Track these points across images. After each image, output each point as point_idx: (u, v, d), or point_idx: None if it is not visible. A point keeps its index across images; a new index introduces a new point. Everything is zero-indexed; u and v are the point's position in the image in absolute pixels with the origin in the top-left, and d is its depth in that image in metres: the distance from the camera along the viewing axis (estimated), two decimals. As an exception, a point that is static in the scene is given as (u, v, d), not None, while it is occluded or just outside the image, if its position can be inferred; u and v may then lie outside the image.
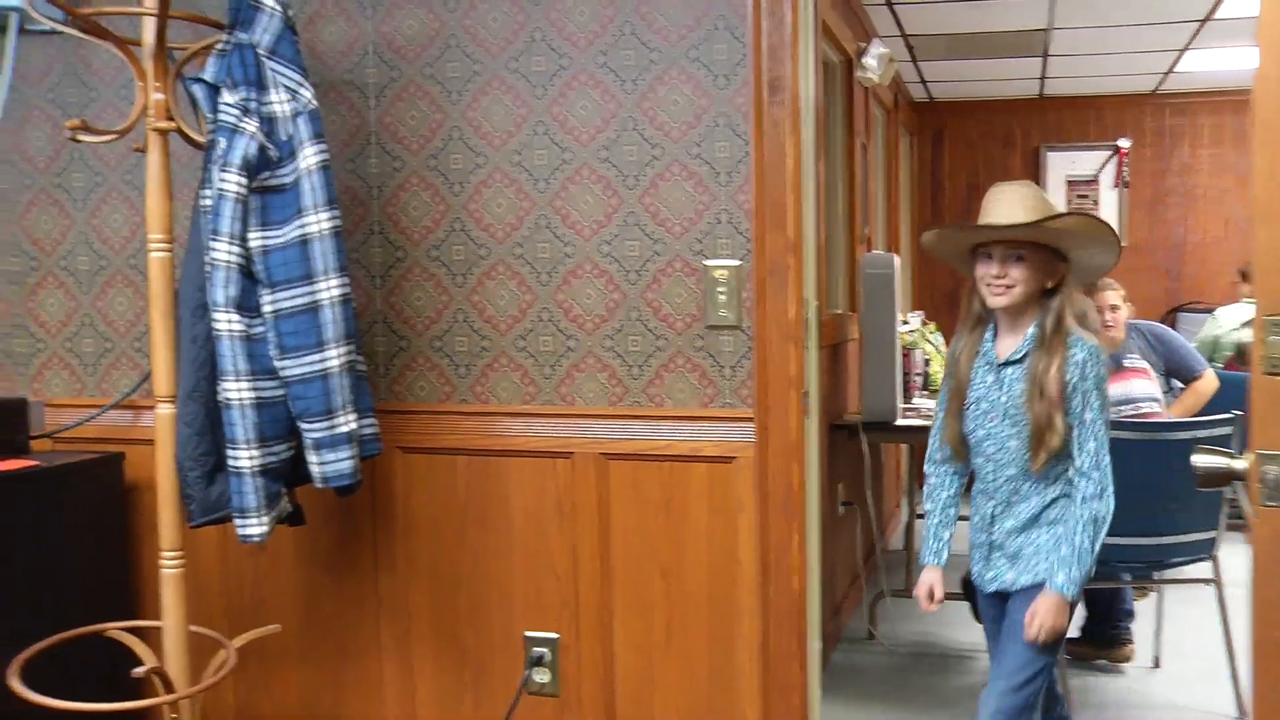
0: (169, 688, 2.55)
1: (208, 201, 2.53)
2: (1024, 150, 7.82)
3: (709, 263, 2.80)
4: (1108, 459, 2.48)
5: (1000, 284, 2.51)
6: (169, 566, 2.58)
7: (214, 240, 2.50)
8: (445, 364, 3.01)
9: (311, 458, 2.59)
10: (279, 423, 2.56)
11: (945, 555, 2.66)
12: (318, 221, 2.54)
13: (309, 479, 2.63)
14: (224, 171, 2.49)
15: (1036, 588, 2.48)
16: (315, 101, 2.59)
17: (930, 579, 2.64)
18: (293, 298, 2.52)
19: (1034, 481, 2.53)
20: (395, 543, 3.06)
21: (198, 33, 2.64)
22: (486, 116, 2.93)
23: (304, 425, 2.56)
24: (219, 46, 2.58)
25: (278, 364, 2.53)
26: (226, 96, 2.53)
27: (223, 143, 2.50)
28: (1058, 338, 2.49)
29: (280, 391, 2.55)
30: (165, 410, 2.57)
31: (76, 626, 2.63)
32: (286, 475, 2.63)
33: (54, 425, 3.20)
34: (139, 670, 2.53)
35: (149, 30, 2.51)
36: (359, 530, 3.07)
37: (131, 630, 2.67)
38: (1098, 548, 2.46)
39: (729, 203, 2.79)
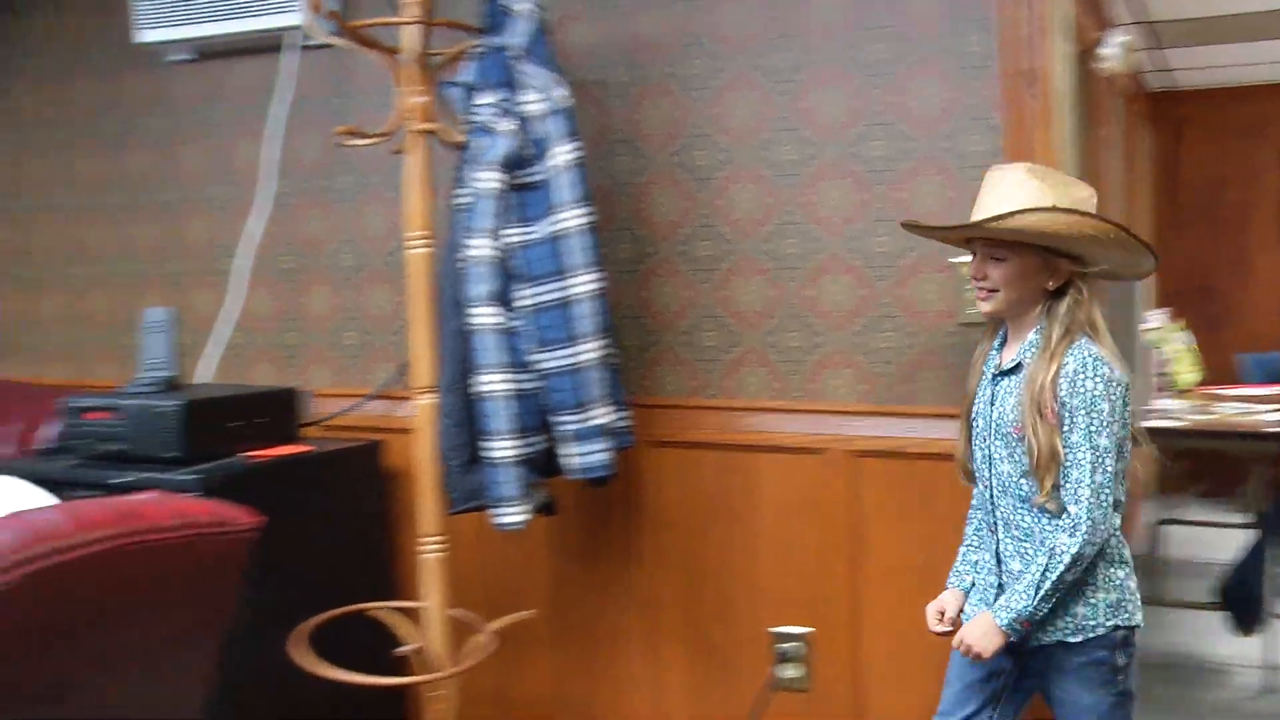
0: (431, 668, 2.61)
1: (465, 200, 2.59)
2: (1275, 140, 7.33)
3: (959, 260, 2.70)
4: (1100, 495, 2.07)
5: (981, 287, 2.21)
6: (430, 551, 2.64)
7: (472, 237, 2.55)
8: (693, 359, 2.99)
9: (567, 450, 2.62)
10: (535, 415, 2.60)
11: (969, 580, 2.35)
12: (572, 218, 2.56)
13: (562, 470, 2.66)
14: (481, 170, 2.54)
15: (1063, 646, 2.15)
16: (569, 100, 2.61)
17: (943, 600, 2.35)
18: (549, 292, 2.55)
19: (1038, 515, 2.16)
20: (644, 535, 3.06)
21: (453, 39, 2.69)
22: (730, 113, 2.91)
23: (559, 418, 2.59)
24: (475, 50, 2.63)
25: (534, 357, 2.57)
26: (483, 98, 2.58)
27: (480, 142, 2.55)
28: (1062, 345, 2.13)
29: (536, 384, 2.59)
30: (426, 401, 2.64)
31: (340, 605, 2.72)
32: (542, 466, 2.66)
33: (319, 414, 3.34)
34: (404, 649, 2.61)
35: (411, 38, 2.58)
36: (609, 522, 3.09)
37: (394, 611, 2.75)
38: (1051, 587, 2.07)
39: (978, 197, 2.69)
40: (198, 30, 3.33)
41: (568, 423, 2.59)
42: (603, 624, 3.13)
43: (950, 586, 2.36)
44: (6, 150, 4.00)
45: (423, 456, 2.65)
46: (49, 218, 3.94)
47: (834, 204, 2.82)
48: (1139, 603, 2.21)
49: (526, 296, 2.56)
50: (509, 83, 2.57)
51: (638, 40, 2.97)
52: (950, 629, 2.30)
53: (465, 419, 2.63)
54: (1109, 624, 2.14)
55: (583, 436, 2.60)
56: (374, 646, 2.65)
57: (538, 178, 2.58)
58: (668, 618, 3.06)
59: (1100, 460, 2.08)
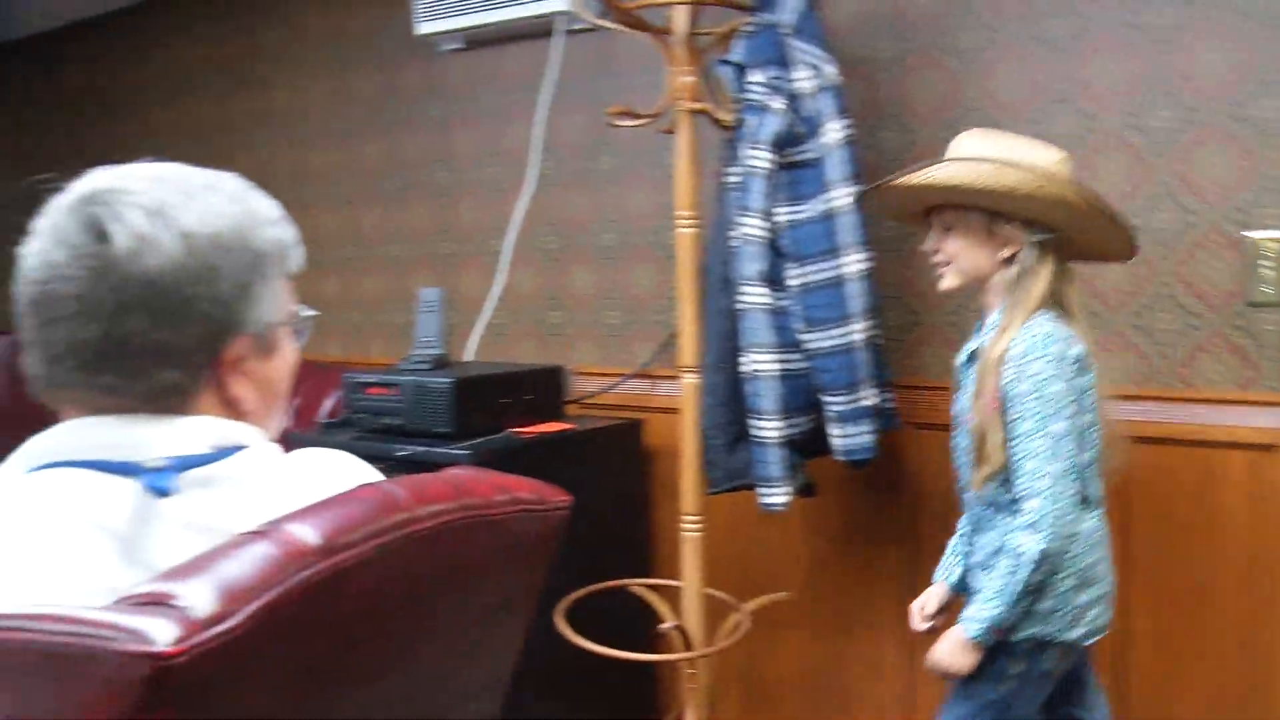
0: (688, 645, 2.61)
1: (734, 179, 2.56)
2: None
3: (1252, 234, 2.50)
4: (1061, 485, 1.88)
5: (936, 262, 2.06)
6: (690, 529, 2.63)
7: (743, 215, 2.52)
8: (960, 340, 2.89)
9: (833, 430, 2.56)
10: (801, 395, 2.55)
11: (958, 573, 2.18)
12: (843, 196, 2.50)
13: (825, 451, 2.61)
14: (753, 149, 2.50)
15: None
16: (839, 77, 2.55)
17: (925, 595, 2.21)
18: (819, 271, 2.50)
19: (988, 507, 2.02)
20: (904, 519, 2.98)
21: (723, 17, 2.66)
22: (1002, 85, 2.77)
23: (828, 398, 2.54)
24: (745, 28, 2.59)
25: (803, 337, 2.52)
26: (753, 76, 2.54)
27: (751, 121, 2.52)
28: (1016, 323, 1.94)
29: (804, 364, 2.54)
30: (690, 380, 2.62)
31: (600, 580, 2.74)
32: (803, 447, 2.62)
33: (581, 392, 3.38)
34: (665, 626, 2.61)
35: (680, 18, 2.56)
36: (868, 505, 3.02)
37: (651, 588, 2.76)
38: (1021, 589, 1.90)
39: (1277, 168, 2.48)
40: (471, 19, 3.41)
41: (836, 403, 2.54)
42: (857, 609, 3.06)
43: (935, 580, 2.23)
44: (293, 141, 4.21)
45: (685, 435, 2.64)
46: (330, 204, 4.13)
47: (1113, 179, 2.65)
48: (1088, 619, 2.00)
49: (795, 275, 2.52)
50: (780, 60, 2.53)
51: (906, 11, 2.87)
52: (930, 625, 2.19)
53: (730, 398, 2.61)
54: (1024, 631, 1.96)
55: (848, 418, 2.54)
56: (625, 622, 2.67)
57: (808, 156, 2.53)
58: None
59: (1058, 447, 1.89)
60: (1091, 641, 2.06)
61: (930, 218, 2.09)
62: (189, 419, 1.04)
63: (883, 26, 2.90)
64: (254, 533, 0.80)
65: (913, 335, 2.93)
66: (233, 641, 0.71)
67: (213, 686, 0.71)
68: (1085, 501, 1.98)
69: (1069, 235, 2.00)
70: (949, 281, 2.08)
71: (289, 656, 0.78)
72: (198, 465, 1.00)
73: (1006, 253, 2.01)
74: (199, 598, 0.71)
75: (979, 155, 1.95)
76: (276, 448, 1.10)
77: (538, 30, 3.38)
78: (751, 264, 2.51)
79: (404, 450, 2.73)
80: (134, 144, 4.74)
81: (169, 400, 1.03)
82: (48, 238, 1.00)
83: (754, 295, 2.52)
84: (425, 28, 3.50)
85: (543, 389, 3.15)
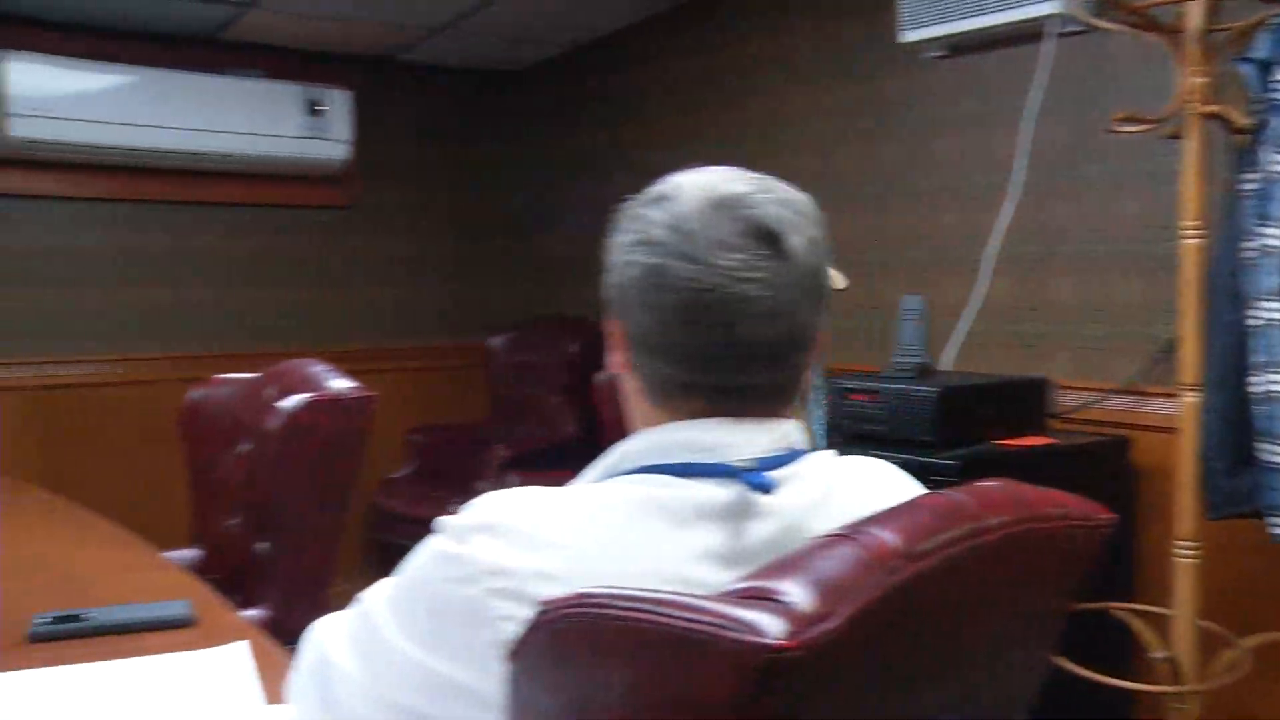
0: (1178, 678, 2.45)
1: (1251, 186, 2.36)
2: None
3: None
4: None
5: None
6: (1184, 555, 2.47)
7: (1262, 225, 2.32)
8: None
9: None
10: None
11: None
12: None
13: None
14: (1278, 153, 2.30)
15: None
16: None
17: None
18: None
19: None
20: None
21: (1241, 11, 2.47)
22: None
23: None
24: (1271, 22, 2.39)
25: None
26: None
27: (1276, 124, 2.31)
28: None
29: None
30: (1190, 398, 2.46)
31: (1079, 602, 2.61)
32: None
33: (1062, 406, 3.24)
34: (1157, 655, 2.46)
35: (1195, 14, 2.40)
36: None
37: (1136, 613, 2.61)
38: None
39: None
40: (956, 26, 3.36)
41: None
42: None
43: None
44: (770, 151, 4.33)
45: (1183, 456, 2.47)
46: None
47: None
48: None
49: (1323, 291, 2.29)
50: (1311, 56, 2.31)
51: None
52: None
53: (1236, 419, 2.42)
54: None
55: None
56: (1102, 645, 2.53)
57: (1343, 161, 2.29)
58: None
59: None
60: None
61: None
62: (781, 420, 1.09)
63: None
64: (839, 535, 0.83)
65: None
66: (833, 640, 0.73)
67: (812, 682, 0.74)
68: None
69: None
70: None
71: (872, 659, 0.80)
72: (779, 466, 1.04)
73: None
74: (801, 595, 0.75)
75: None
76: (831, 451, 1.13)
77: (1024, 34, 3.28)
78: (1270, 277, 2.31)
79: (894, 459, 2.74)
80: (632, 153, 5.07)
81: (784, 398, 1.09)
82: (696, 244, 1.03)
83: (1272, 311, 2.31)
84: (909, 36, 3.49)
85: (1025, 401, 3.06)
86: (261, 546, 2.46)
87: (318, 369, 2.51)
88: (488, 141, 5.90)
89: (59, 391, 4.90)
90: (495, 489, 1.06)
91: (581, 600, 0.80)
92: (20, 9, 4.58)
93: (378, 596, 1.09)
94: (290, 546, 2.38)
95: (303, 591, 2.40)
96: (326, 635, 1.16)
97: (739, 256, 1.02)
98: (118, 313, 5.05)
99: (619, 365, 1.15)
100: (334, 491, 2.42)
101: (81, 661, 1.53)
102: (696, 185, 1.09)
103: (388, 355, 5.53)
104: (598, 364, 4.80)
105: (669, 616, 0.75)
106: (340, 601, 1.35)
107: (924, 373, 3.04)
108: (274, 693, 1.40)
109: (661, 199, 1.09)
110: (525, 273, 5.92)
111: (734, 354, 1.04)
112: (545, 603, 0.82)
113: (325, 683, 1.13)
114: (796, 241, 1.06)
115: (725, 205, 1.05)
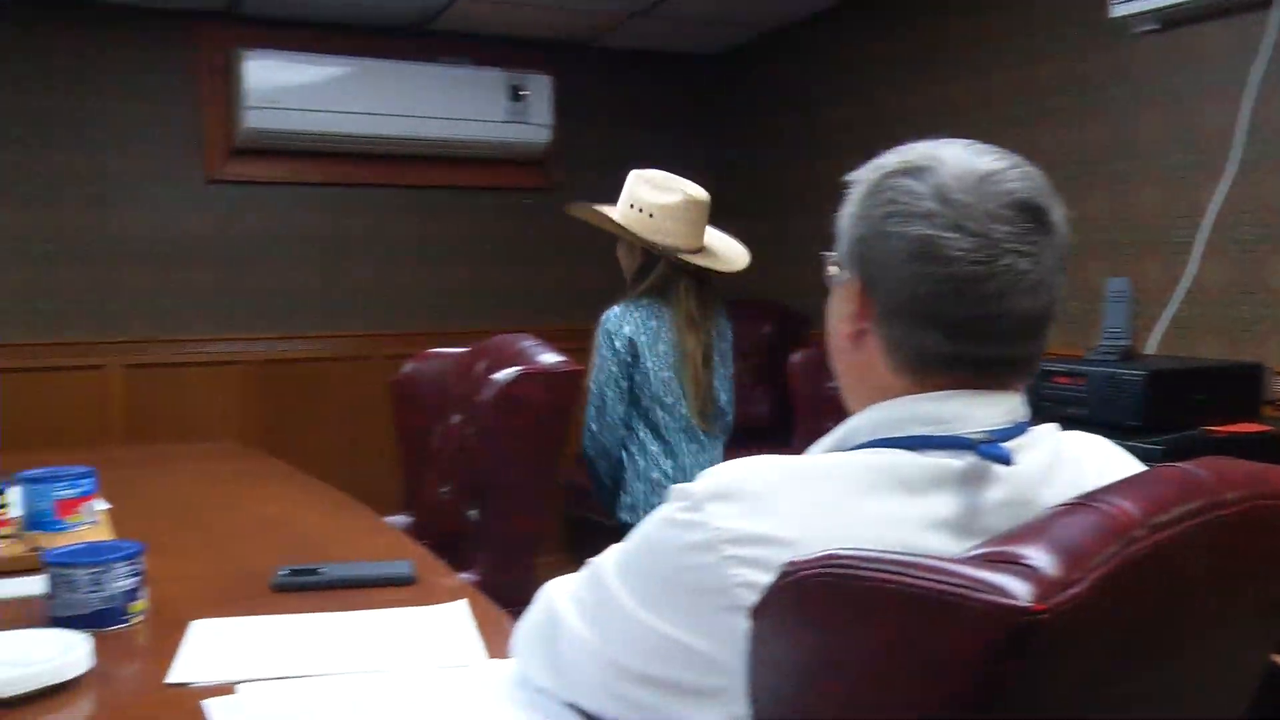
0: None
1: None
2: None
3: None
4: (587, 418, 2.76)
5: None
6: None
7: None
8: None
9: None
10: None
11: None
12: None
13: None
14: None
15: None
16: None
17: None
18: None
19: None
20: None
21: None
22: None
23: None
24: None
25: None
26: None
27: None
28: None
29: None
30: None
31: None
32: None
33: (1277, 393, 3.09)
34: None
35: None
36: None
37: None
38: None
39: None
40: (1170, -1, 3.22)
41: None
42: None
43: None
44: (971, 131, 4.23)
45: None
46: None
47: None
48: None
49: None
50: None
51: None
52: None
53: None
54: None
55: None
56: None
57: None
58: None
59: (591, 395, 2.76)
60: None
61: None
62: (1013, 393, 1.09)
63: None
64: (1079, 503, 0.83)
65: None
66: (1079, 605, 0.74)
67: (1058, 646, 0.75)
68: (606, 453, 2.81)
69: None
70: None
71: (1112, 626, 0.80)
72: (1010, 438, 1.04)
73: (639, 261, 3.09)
74: (1046, 561, 0.75)
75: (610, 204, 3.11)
76: (1054, 425, 1.12)
77: (1246, 5, 3.12)
78: None
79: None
80: (826, 137, 5.03)
81: (1031, 371, 1.10)
82: (970, 217, 1.04)
83: None
84: (1119, 10, 3.36)
85: (1238, 387, 2.92)
86: (472, 513, 2.55)
87: (528, 343, 2.59)
88: (685, 124, 5.94)
89: (279, 366, 5.17)
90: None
91: (829, 561, 0.82)
92: (254, 10, 4.84)
93: (609, 561, 1.13)
94: (500, 513, 2.46)
95: (511, 558, 2.48)
96: (557, 596, 1.20)
97: (1008, 229, 1.03)
98: (331, 292, 5.28)
99: (849, 336, 1.14)
100: (543, 460, 2.49)
101: (317, 611, 1.63)
102: (955, 158, 1.09)
103: (585, 335, 5.65)
104: (790, 346, 4.81)
105: (918, 578, 0.76)
106: (547, 572, 1.40)
107: (1129, 356, 2.94)
108: (494, 648, 1.46)
109: (918, 170, 1.09)
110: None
111: (1001, 327, 1.05)
112: (791, 563, 0.85)
113: (553, 641, 1.18)
114: (1057, 216, 1.08)
115: (989, 179, 1.06)
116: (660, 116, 5.92)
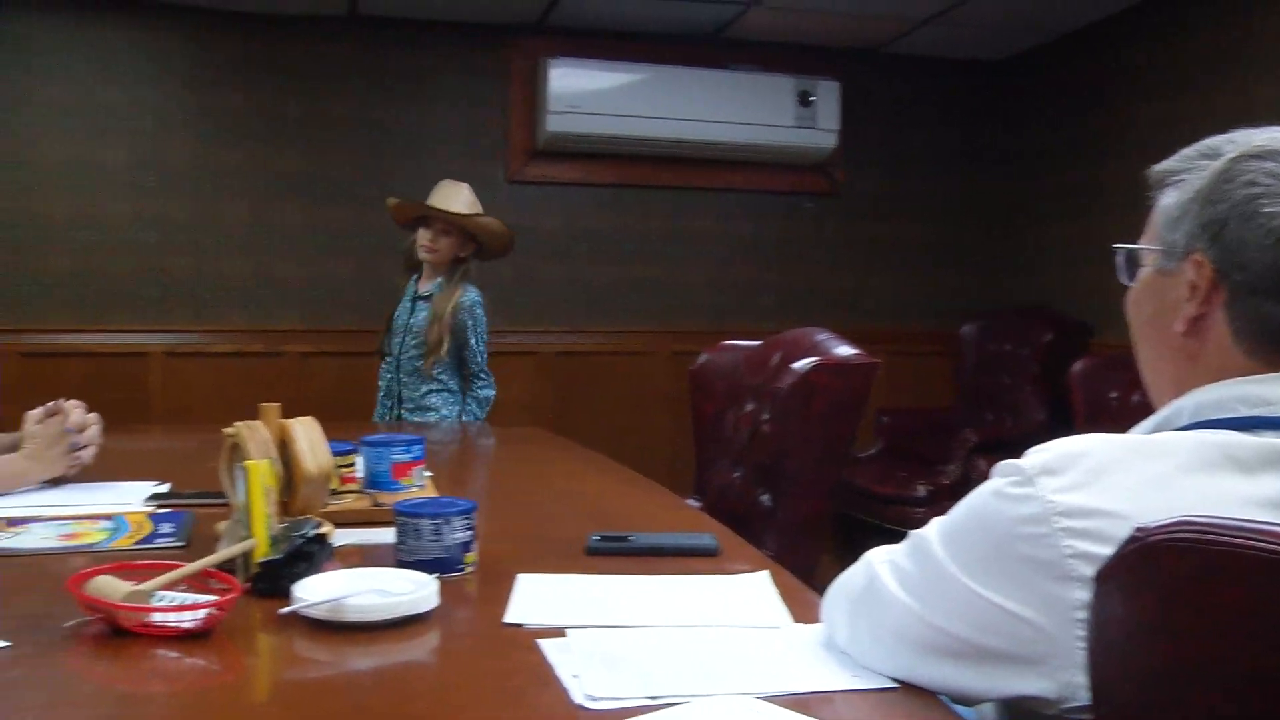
0: None
1: None
2: None
3: None
4: None
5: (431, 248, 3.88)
6: None
7: None
8: None
9: None
10: None
11: None
12: None
13: None
14: None
15: None
16: None
17: None
18: None
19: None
20: None
21: None
22: None
23: None
24: None
25: None
26: None
27: None
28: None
29: None
30: None
31: None
32: None
33: None
34: None
35: None
36: None
37: None
38: None
39: None
40: None
41: None
42: None
43: None
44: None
45: None
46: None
47: None
48: None
49: None
50: None
51: None
52: None
53: None
54: None
55: None
56: None
57: None
58: None
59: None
60: None
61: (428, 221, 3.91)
62: None
63: None
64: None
65: None
66: None
67: None
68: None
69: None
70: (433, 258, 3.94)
71: None
72: None
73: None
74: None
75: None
76: None
77: None
78: None
79: None
80: (1114, 142, 4.83)
81: None
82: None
83: None
84: None
85: None
86: (763, 497, 2.59)
87: (823, 336, 2.61)
88: (970, 130, 5.83)
89: (570, 359, 5.38)
90: (962, 472, 1.10)
91: (1182, 526, 0.82)
92: (560, 21, 5.07)
93: (933, 532, 1.15)
94: (791, 498, 2.49)
95: (799, 542, 2.51)
96: (877, 564, 1.23)
97: None
98: (619, 288, 5.46)
99: (1188, 320, 1.15)
100: (834, 449, 2.51)
101: (628, 574, 1.70)
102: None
103: (858, 336, 5.63)
104: (1070, 355, 4.65)
105: (1270, 544, 0.75)
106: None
107: None
108: (798, 615, 1.49)
109: (1273, 154, 1.10)
110: (1001, 261, 5.80)
111: None
112: (1140, 529, 0.85)
113: (873, 607, 1.21)
114: None
115: None
116: (945, 121, 5.83)
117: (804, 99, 5.20)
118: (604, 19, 5.06)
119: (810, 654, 1.32)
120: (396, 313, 3.98)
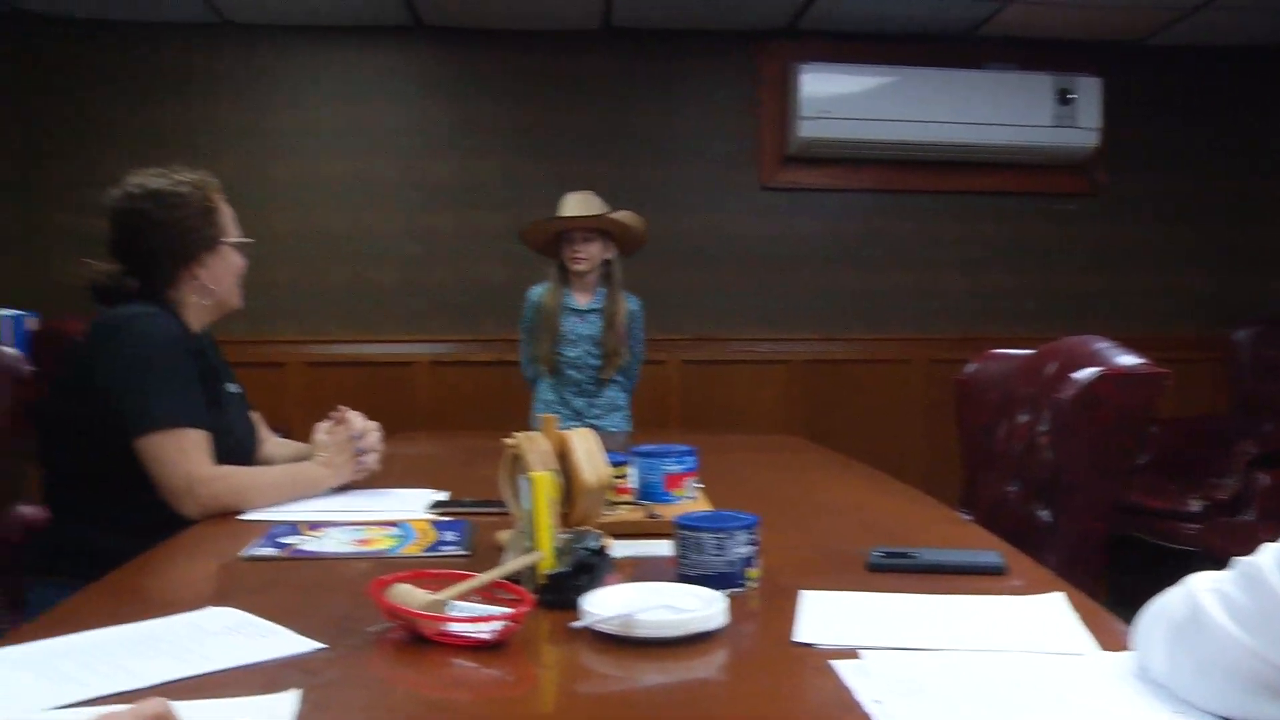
0: None
1: None
2: None
3: None
4: None
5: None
6: None
7: None
8: None
9: None
10: None
11: None
12: None
13: None
14: None
15: None
16: None
17: None
18: None
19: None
20: None
21: None
22: None
23: None
24: None
25: None
26: None
27: None
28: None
29: None
30: None
31: None
32: None
33: None
34: None
35: None
36: None
37: None
38: None
39: None
40: None
41: None
42: None
43: None
44: None
45: None
46: None
47: None
48: None
49: None
50: None
51: None
52: None
53: None
54: None
55: None
56: None
57: None
58: None
59: None
60: None
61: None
62: None
63: None
64: None
65: None
66: None
67: None
68: None
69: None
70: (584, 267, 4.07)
71: None
72: None
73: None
74: None
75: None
76: None
77: None
78: None
79: None
80: None
81: None
82: None
83: None
84: None
85: None
86: (1041, 513, 2.46)
87: (1101, 344, 2.47)
88: (1245, 123, 5.42)
89: (821, 366, 5.31)
90: (1241, 486, 0.98)
91: None
92: (811, 25, 5.01)
93: (1268, 561, 1.06)
94: (1073, 513, 2.36)
95: (1079, 559, 2.37)
96: (1200, 592, 1.14)
97: None
98: (871, 295, 5.35)
99: None
100: (1116, 463, 2.36)
101: (912, 592, 1.64)
102: None
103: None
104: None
105: None
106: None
107: None
108: (1104, 641, 1.39)
109: None
110: (1277, 264, 5.39)
111: None
112: None
113: (1198, 640, 1.12)
114: None
115: None
116: (1219, 115, 5.45)
117: (1063, 97, 4.95)
118: (854, 21, 4.96)
119: (1123, 685, 1.23)
120: (563, 330, 4.09)
